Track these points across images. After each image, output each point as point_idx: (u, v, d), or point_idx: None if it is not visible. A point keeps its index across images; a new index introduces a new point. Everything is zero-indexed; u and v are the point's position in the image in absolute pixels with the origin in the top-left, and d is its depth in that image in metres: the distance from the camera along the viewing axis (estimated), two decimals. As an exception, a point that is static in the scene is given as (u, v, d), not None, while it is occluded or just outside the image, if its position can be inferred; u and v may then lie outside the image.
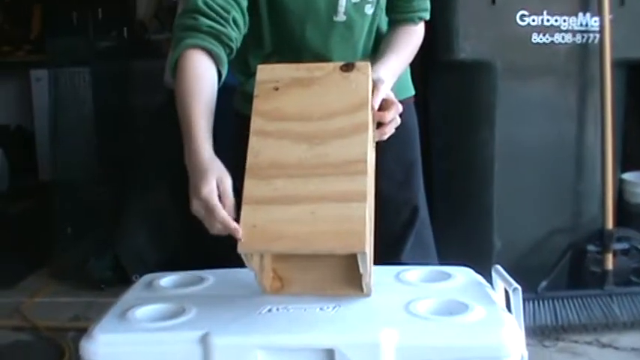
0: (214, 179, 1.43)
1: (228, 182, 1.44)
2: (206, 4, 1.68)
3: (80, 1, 5.24)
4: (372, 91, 1.60)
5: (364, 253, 1.37)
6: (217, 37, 1.67)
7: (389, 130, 1.66)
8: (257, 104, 1.56)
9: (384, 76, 1.71)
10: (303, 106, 1.55)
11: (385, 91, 1.65)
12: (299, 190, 1.43)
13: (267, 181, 1.45)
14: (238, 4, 1.72)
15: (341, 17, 1.86)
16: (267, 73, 1.61)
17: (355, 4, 1.85)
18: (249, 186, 1.45)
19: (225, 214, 1.40)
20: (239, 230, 1.39)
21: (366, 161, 1.46)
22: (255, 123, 1.53)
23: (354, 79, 1.58)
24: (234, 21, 1.70)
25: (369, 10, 1.88)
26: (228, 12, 1.69)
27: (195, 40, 1.65)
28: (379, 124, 1.64)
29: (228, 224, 1.40)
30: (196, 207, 1.43)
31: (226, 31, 1.68)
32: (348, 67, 1.60)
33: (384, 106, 1.63)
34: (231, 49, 1.70)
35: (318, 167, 1.46)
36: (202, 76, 1.63)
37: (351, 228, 1.38)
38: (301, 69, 1.62)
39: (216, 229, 1.42)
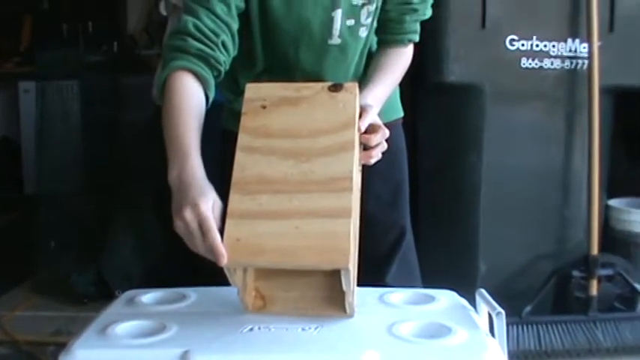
0: (212, 200, 1.41)
1: (221, 207, 1.42)
2: (196, 27, 1.67)
3: (71, 14, 5.24)
4: (360, 114, 1.60)
5: (348, 270, 1.36)
6: (206, 60, 1.66)
7: (375, 155, 1.66)
8: (244, 121, 1.56)
9: (371, 101, 1.72)
10: (290, 124, 1.55)
11: (373, 116, 1.65)
12: (284, 205, 1.43)
13: (252, 196, 1.44)
14: (229, 28, 1.72)
15: (335, 40, 1.86)
16: (255, 91, 1.61)
17: (350, 27, 1.85)
18: (234, 200, 1.44)
19: (218, 235, 1.37)
20: (225, 257, 1.36)
21: (351, 178, 1.45)
22: (242, 139, 1.53)
23: (342, 98, 1.58)
24: (224, 45, 1.70)
25: (363, 33, 1.88)
26: (217, 35, 1.69)
27: (183, 62, 1.65)
28: (366, 148, 1.64)
29: (217, 246, 1.36)
30: (189, 219, 1.38)
31: (215, 54, 1.68)
32: (336, 88, 1.60)
33: (371, 130, 1.63)
34: (219, 72, 1.70)
35: (304, 184, 1.45)
36: (191, 97, 1.62)
37: (336, 244, 1.37)
38: (289, 88, 1.62)
39: (200, 248, 1.39)
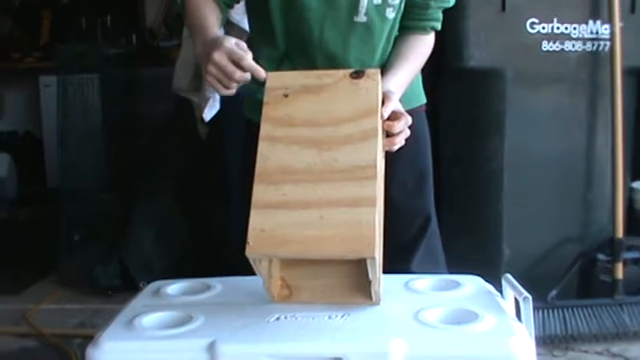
0: (233, 40, 1.59)
1: (244, 43, 1.59)
2: None
3: (89, 8, 5.26)
4: (382, 101, 1.59)
5: (374, 259, 1.36)
6: None
7: (398, 141, 1.65)
8: (266, 111, 1.56)
9: (393, 88, 1.72)
10: (312, 112, 1.54)
11: (395, 103, 1.64)
12: (307, 195, 1.42)
13: (275, 186, 1.44)
14: None
15: (361, 18, 1.84)
16: (276, 80, 1.61)
17: (377, 5, 1.83)
18: (257, 191, 1.44)
19: (252, 60, 1.56)
20: (263, 72, 1.58)
21: (375, 166, 1.45)
22: (265, 129, 1.53)
23: (364, 85, 1.58)
24: None
25: (390, 13, 1.86)
26: None
27: None
28: (388, 135, 1.63)
29: (255, 68, 1.57)
30: (217, 58, 1.56)
31: None
32: (358, 75, 1.60)
33: (394, 117, 1.63)
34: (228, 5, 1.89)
35: (327, 173, 1.45)
36: (210, 7, 1.80)
37: (361, 233, 1.37)
38: (310, 76, 1.61)
39: (235, 76, 1.56)
